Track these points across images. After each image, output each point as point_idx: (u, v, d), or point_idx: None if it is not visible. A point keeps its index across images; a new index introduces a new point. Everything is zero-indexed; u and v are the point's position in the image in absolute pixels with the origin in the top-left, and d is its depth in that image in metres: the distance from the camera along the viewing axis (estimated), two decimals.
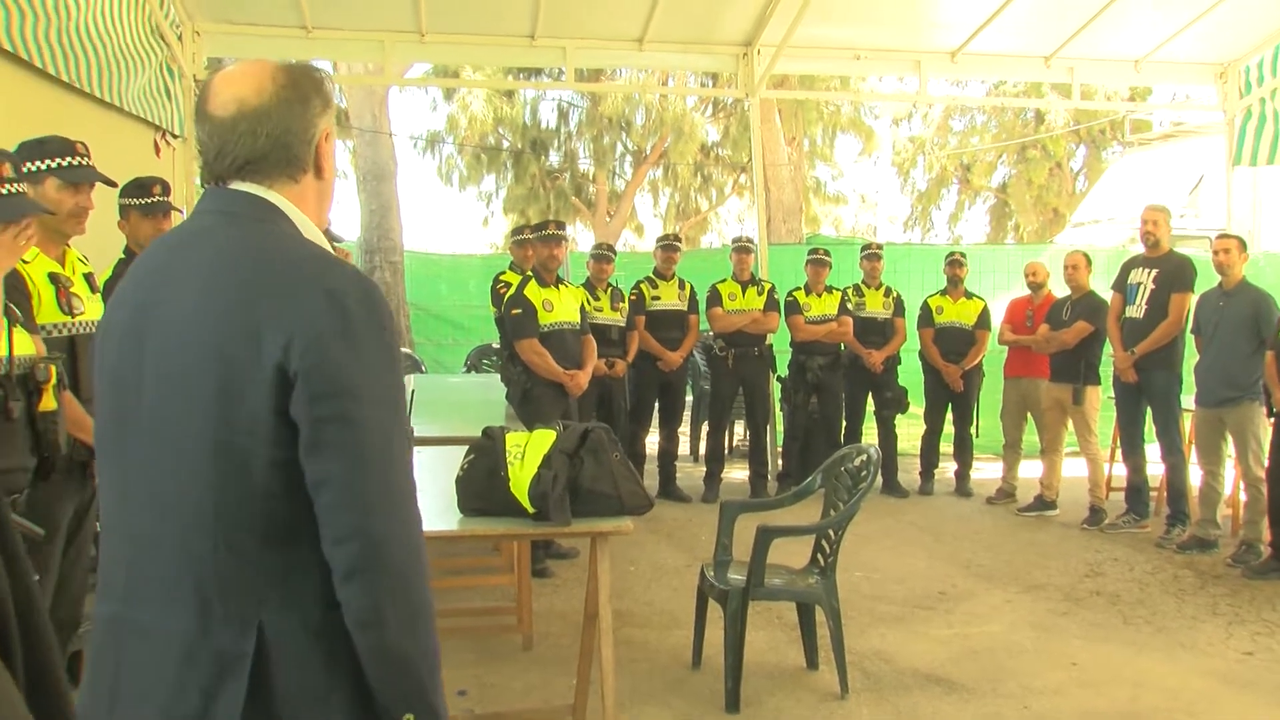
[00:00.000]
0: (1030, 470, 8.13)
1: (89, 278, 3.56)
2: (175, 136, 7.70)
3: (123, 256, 4.43)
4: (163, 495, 1.43)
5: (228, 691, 1.39)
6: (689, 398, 9.56)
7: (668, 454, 8.19)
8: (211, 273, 1.45)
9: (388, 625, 1.41)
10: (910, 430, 8.97)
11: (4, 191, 2.73)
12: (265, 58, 1.60)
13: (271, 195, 1.54)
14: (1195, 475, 6.74)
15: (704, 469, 8.43)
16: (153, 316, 1.47)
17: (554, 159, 23.48)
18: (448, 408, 6.06)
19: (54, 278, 3.33)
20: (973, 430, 8.46)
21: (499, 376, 6.69)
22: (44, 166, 3.30)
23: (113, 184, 3.65)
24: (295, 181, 1.56)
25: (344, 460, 1.39)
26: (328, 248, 1.58)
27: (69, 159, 3.37)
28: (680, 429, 8.46)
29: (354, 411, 1.40)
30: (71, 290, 3.35)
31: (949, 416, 8.51)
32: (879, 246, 8.86)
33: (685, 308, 8.06)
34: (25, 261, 3.17)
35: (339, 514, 1.39)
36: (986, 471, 8.78)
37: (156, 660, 1.42)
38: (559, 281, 6.52)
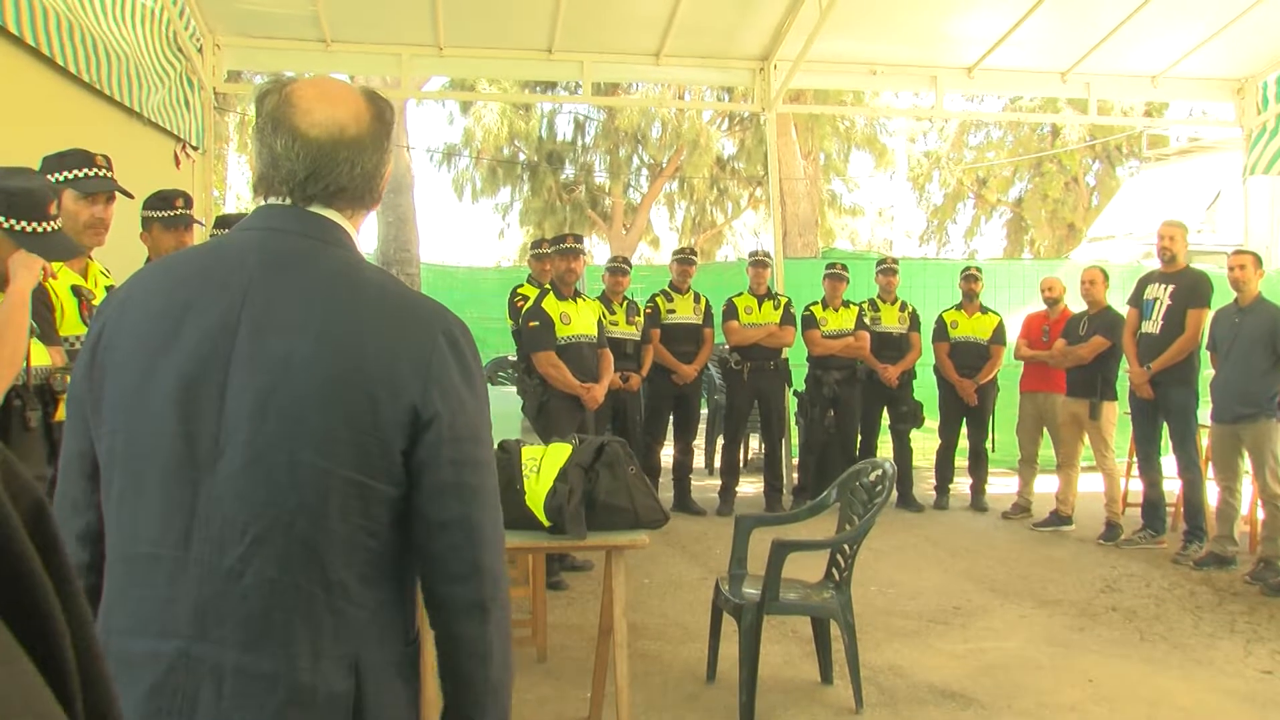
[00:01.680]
0: (1046, 485, 8.11)
1: (111, 290, 3.59)
2: (194, 148, 7.76)
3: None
4: (257, 529, 1.35)
5: None
6: (703, 410, 9.54)
7: (682, 467, 8.19)
8: (332, 305, 1.41)
9: (493, 657, 1.47)
10: (925, 445, 8.97)
11: (50, 229, 2.79)
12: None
13: (348, 224, 1.52)
14: (1212, 491, 6.71)
15: (719, 482, 8.42)
16: (251, 339, 1.38)
17: (570, 172, 23.55)
18: None
19: (76, 290, 3.36)
20: (988, 445, 8.45)
21: (515, 389, 6.70)
22: (61, 178, 3.33)
23: (130, 195, 3.68)
24: (366, 212, 1.57)
25: (473, 501, 1.44)
26: None
27: (86, 170, 3.40)
28: (695, 442, 8.46)
29: (480, 455, 1.46)
30: (93, 303, 3.38)
31: (964, 431, 8.51)
32: (894, 261, 8.86)
33: (700, 321, 8.06)
34: (51, 275, 3.20)
35: (463, 552, 1.43)
36: (1002, 486, 8.75)
37: (247, 702, 1.34)
38: (577, 295, 6.55)
